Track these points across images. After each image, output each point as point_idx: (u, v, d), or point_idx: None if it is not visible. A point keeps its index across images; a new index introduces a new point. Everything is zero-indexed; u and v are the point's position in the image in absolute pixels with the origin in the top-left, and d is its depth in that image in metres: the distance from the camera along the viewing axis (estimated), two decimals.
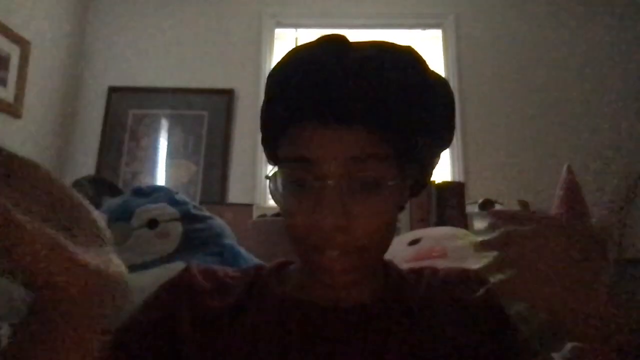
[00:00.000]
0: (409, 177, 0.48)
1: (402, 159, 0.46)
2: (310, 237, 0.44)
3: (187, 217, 0.87)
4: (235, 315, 0.49)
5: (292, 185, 0.46)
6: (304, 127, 0.45)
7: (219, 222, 0.93)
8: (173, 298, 0.49)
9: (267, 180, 0.49)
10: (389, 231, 0.48)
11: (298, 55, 0.47)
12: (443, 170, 2.31)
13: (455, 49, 2.44)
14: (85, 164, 2.33)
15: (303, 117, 0.45)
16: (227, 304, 0.50)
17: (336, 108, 0.43)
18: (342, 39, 0.45)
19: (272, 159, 0.53)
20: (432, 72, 0.47)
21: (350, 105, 0.43)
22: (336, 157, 0.43)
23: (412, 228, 1.27)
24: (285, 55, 0.48)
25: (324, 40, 0.45)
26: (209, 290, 0.50)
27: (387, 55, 0.45)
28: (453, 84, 2.37)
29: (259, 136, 0.54)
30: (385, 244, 0.49)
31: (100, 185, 1.17)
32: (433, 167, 0.53)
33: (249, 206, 1.75)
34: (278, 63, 0.48)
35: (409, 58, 0.46)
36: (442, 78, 0.49)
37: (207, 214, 0.92)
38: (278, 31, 2.55)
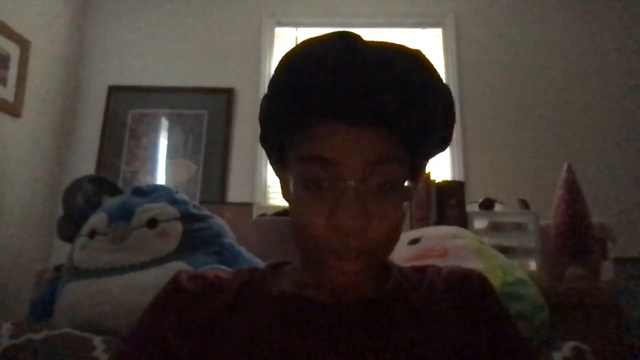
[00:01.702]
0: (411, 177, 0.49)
1: (413, 161, 0.46)
2: (326, 237, 0.43)
3: (187, 217, 0.87)
4: (229, 315, 0.49)
5: (307, 184, 0.45)
6: (321, 126, 0.44)
7: (218, 221, 0.92)
8: (162, 311, 0.49)
9: (279, 179, 0.48)
10: (399, 231, 0.48)
11: (311, 51, 0.44)
12: (443, 170, 2.31)
13: (455, 48, 2.44)
14: (85, 163, 2.33)
15: (321, 114, 0.44)
16: (219, 305, 0.49)
17: (359, 108, 0.42)
18: (354, 36, 0.44)
19: (275, 156, 0.52)
20: (439, 76, 0.47)
21: (373, 106, 0.42)
22: (358, 158, 0.43)
23: (412, 227, 1.27)
24: (296, 48, 0.45)
25: (336, 36, 0.43)
26: (199, 295, 0.50)
27: (403, 57, 0.44)
28: (453, 83, 2.37)
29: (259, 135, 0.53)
30: (394, 244, 0.49)
31: (100, 185, 1.17)
32: (425, 168, 0.54)
33: (249, 205, 1.75)
34: (286, 56, 0.45)
35: (422, 61, 0.45)
36: (445, 83, 0.49)
37: (207, 213, 0.92)
38: (278, 30, 2.55)
